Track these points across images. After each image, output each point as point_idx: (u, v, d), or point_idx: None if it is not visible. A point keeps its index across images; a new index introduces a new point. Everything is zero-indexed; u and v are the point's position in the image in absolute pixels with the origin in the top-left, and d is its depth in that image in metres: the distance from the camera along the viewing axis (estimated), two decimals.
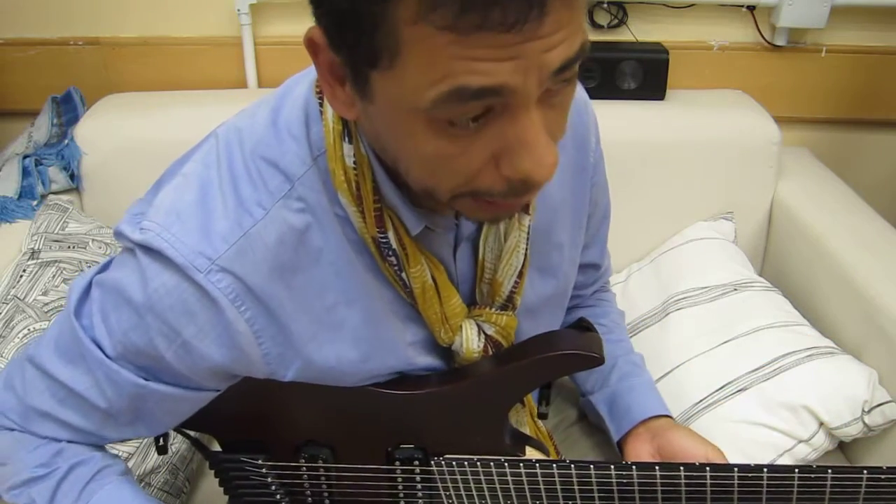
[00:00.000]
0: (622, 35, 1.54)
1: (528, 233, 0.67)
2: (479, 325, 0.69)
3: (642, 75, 1.44)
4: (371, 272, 0.64)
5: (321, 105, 0.60)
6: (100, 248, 1.25)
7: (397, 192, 0.60)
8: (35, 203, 1.30)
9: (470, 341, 0.68)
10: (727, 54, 1.56)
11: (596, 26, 1.53)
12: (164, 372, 0.63)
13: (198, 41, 1.51)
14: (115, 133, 1.37)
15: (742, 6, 1.51)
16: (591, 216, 0.80)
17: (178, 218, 0.59)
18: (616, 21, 1.52)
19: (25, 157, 1.33)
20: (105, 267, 0.65)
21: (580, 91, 0.75)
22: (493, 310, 0.69)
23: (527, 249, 0.68)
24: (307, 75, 0.63)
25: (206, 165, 0.61)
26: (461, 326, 0.68)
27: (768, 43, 1.54)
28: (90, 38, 1.51)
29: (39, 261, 1.18)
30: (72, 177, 1.35)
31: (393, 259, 0.62)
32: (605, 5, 1.50)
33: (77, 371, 0.64)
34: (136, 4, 1.48)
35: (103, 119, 1.40)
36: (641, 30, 1.53)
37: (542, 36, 0.43)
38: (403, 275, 0.63)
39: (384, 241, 0.61)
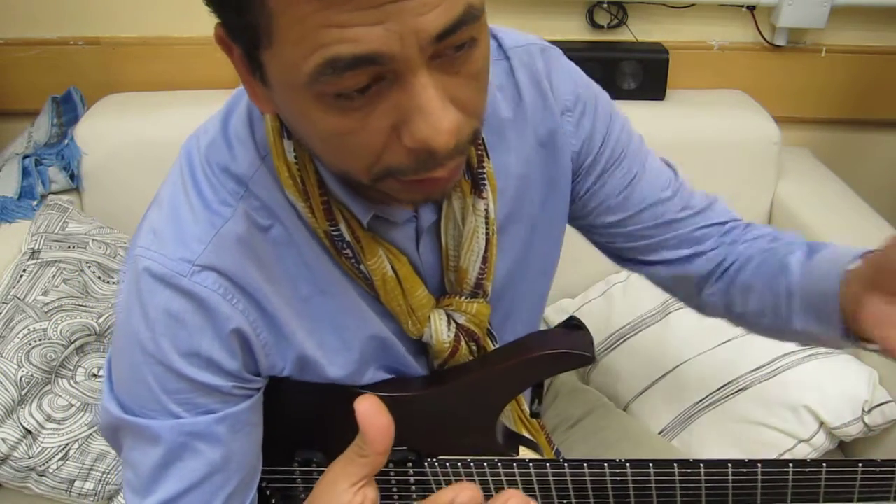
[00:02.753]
0: (622, 35, 1.54)
1: (488, 216, 0.66)
2: (448, 315, 0.69)
3: (642, 75, 1.44)
4: (337, 266, 0.64)
5: None
6: (100, 248, 1.25)
7: (341, 183, 0.59)
8: (35, 203, 1.30)
9: (439, 332, 0.68)
10: (727, 54, 1.56)
11: (596, 26, 1.53)
12: (216, 395, 0.62)
13: (198, 41, 1.51)
14: (115, 133, 1.37)
15: (742, 6, 1.51)
16: (602, 171, 0.74)
17: (155, 236, 0.60)
18: (616, 21, 1.52)
19: (25, 157, 1.34)
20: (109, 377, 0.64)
21: (539, 57, 0.70)
22: (463, 298, 0.69)
23: (489, 234, 0.67)
24: None
25: (173, 182, 0.62)
26: (429, 318, 0.68)
27: (768, 43, 1.54)
28: (90, 38, 1.51)
29: (39, 261, 1.18)
30: (72, 177, 1.35)
31: (349, 252, 0.62)
32: (605, 5, 1.50)
33: (177, 465, 0.62)
34: (136, 4, 1.48)
35: (103, 119, 1.40)
36: (641, 30, 1.53)
37: None
38: (362, 267, 0.63)
39: (336, 234, 0.61)
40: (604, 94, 0.75)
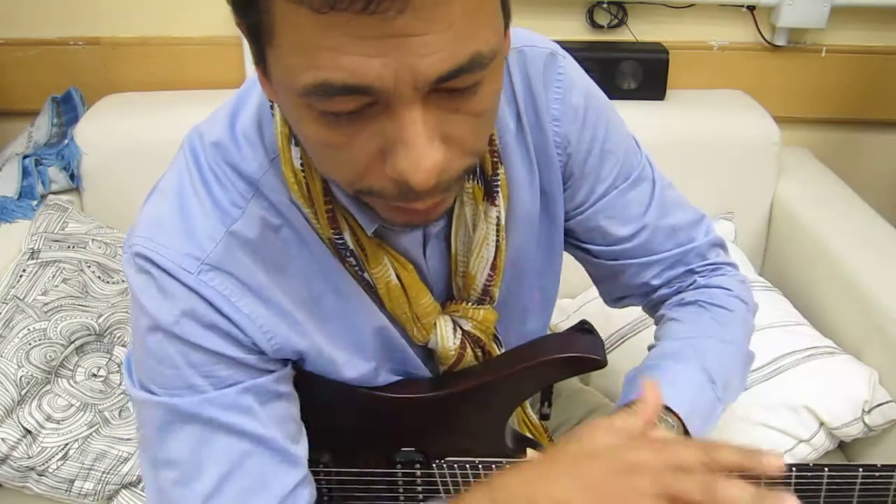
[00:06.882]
0: (622, 35, 1.54)
1: (499, 223, 0.66)
2: (454, 321, 0.68)
3: (642, 75, 1.44)
4: (346, 269, 0.64)
5: (272, 108, 0.60)
6: (99, 247, 1.25)
7: (346, 192, 0.58)
8: (35, 203, 1.30)
9: (445, 339, 0.68)
10: (727, 54, 1.56)
11: (596, 26, 1.53)
12: (240, 367, 0.61)
13: (198, 41, 1.51)
14: (115, 133, 1.37)
15: (742, 6, 1.51)
16: (591, 193, 0.72)
17: (159, 227, 0.58)
18: (616, 21, 1.52)
19: (25, 157, 1.34)
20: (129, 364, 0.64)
21: (538, 61, 0.67)
22: (470, 304, 0.68)
23: (499, 241, 0.66)
24: None
25: (178, 173, 0.61)
26: (435, 324, 0.67)
27: (768, 43, 1.54)
28: (90, 38, 1.51)
29: (39, 261, 1.18)
30: (72, 177, 1.35)
31: (352, 260, 0.61)
32: (605, 5, 1.50)
33: (215, 441, 0.60)
34: (136, 4, 1.49)
35: (103, 119, 1.40)
36: (641, 30, 1.53)
37: (410, 34, 0.40)
38: (366, 275, 0.63)
39: (340, 241, 0.60)
40: (609, 114, 0.71)
